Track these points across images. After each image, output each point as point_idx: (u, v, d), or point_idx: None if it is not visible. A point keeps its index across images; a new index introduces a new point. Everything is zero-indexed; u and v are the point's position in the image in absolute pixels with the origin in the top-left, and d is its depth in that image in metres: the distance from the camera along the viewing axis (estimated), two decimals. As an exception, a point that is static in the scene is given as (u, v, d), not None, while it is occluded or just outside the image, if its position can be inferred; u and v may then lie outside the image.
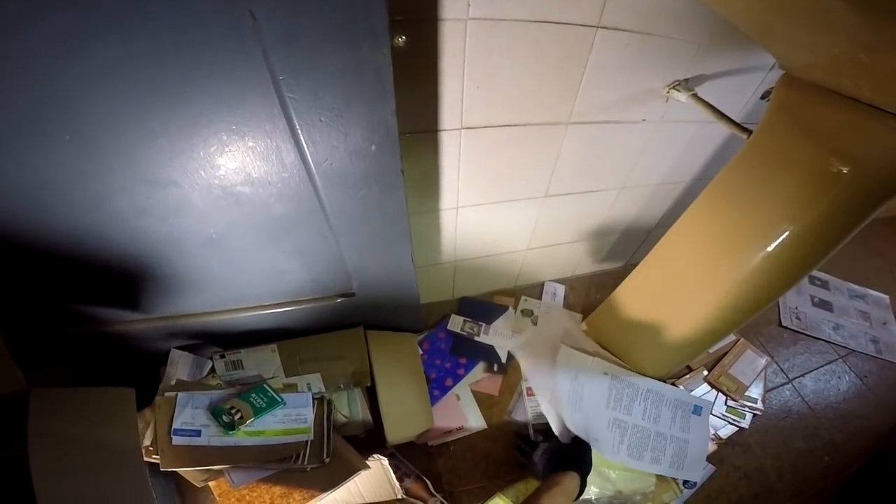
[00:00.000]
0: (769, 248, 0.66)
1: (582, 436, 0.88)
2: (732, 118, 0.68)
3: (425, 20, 0.54)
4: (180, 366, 0.82)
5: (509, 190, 0.83)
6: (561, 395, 0.93)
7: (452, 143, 0.69)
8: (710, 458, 0.99)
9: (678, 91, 0.69)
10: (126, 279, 0.64)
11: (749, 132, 0.64)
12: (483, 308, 1.08)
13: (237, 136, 0.48)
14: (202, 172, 0.51)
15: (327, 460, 0.77)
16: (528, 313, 1.09)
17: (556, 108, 0.70)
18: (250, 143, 0.49)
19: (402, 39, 0.55)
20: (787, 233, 0.63)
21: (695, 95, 0.68)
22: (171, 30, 0.39)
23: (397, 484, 0.80)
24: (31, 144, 0.44)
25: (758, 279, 0.70)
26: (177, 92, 0.43)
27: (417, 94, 0.61)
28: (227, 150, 0.49)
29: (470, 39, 0.58)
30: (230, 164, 0.51)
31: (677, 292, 0.82)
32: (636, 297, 0.91)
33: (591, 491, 0.88)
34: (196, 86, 0.43)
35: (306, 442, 0.78)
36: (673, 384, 1.02)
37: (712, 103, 0.69)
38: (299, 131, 0.49)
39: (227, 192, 0.54)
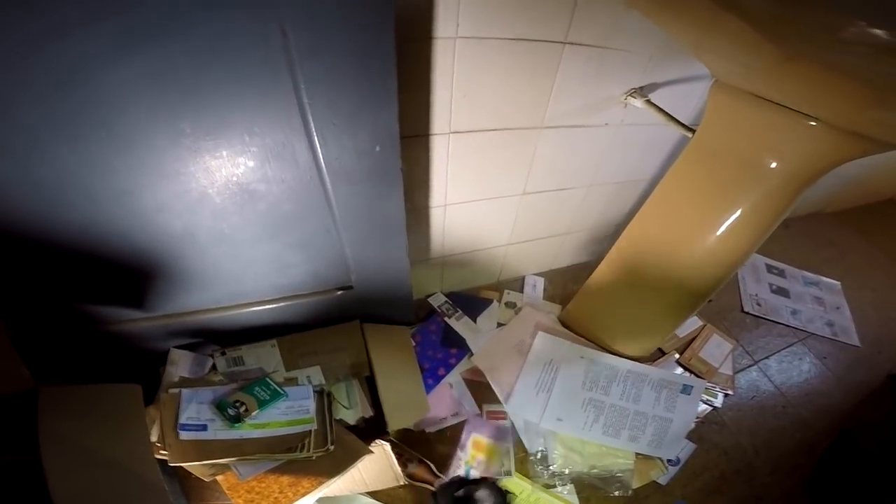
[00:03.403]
0: (717, 232, 0.76)
1: (544, 422, 0.94)
2: (681, 120, 0.79)
3: (421, 39, 0.62)
4: (181, 364, 0.84)
5: (492, 188, 0.91)
6: (525, 388, 0.99)
7: (442, 146, 0.77)
8: (690, 436, 1.01)
9: (634, 98, 0.80)
10: (135, 276, 0.67)
11: (694, 132, 0.76)
12: (469, 301, 1.15)
13: (258, 136, 0.54)
14: (223, 170, 0.56)
15: (332, 448, 0.80)
16: (511, 305, 1.17)
17: (531, 115, 0.79)
18: (269, 143, 0.55)
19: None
20: (729, 218, 0.74)
21: (648, 101, 0.79)
22: (210, 39, 0.45)
23: (399, 470, 0.83)
24: (63, 140, 0.48)
25: (710, 259, 0.80)
26: (208, 96, 0.49)
27: (413, 102, 0.68)
28: (248, 149, 0.55)
29: (458, 55, 0.66)
30: (249, 163, 0.57)
31: (644, 276, 0.90)
32: (607, 284, 1.00)
33: (563, 465, 0.92)
34: (226, 91, 0.49)
35: (310, 431, 0.81)
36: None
37: (664, 108, 0.80)
38: (314, 133, 0.56)
39: (244, 188, 0.60)
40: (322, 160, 0.59)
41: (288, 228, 0.68)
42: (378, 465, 0.84)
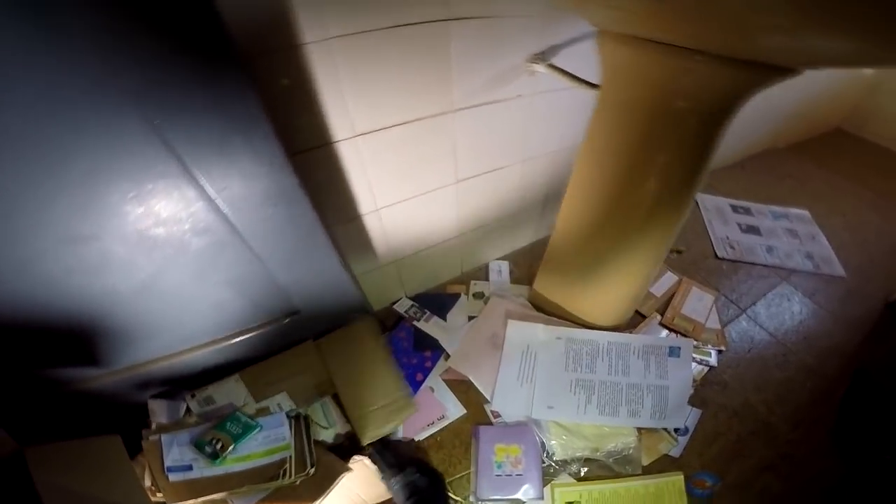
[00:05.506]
0: (650, 182, 0.73)
1: (535, 413, 0.91)
2: (592, 81, 0.75)
3: (285, 48, 0.59)
4: (158, 412, 0.86)
5: (421, 183, 0.89)
6: (507, 383, 0.96)
7: (351, 150, 0.75)
8: (693, 402, 0.95)
9: (537, 64, 0.76)
10: (75, 337, 0.68)
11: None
12: (436, 300, 1.13)
13: (135, 182, 0.54)
14: (115, 220, 0.56)
15: (312, 471, 0.81)
16: (479, 296, 1.15)
17: (438, 100, 0.77)
18: (149, 186, 0.55)
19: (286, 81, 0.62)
20: (656, 167, 0.70)
21: (551, 65, 0.76)
22: (40, 95, 0.44)
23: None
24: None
25: (653, 208, 0.76)
26: (61, 154, 0.48)
27: (301, 113, 0.67)
28: (129, 196, 0.55)
29: (339, 55, 0.63)
30: (137, 209, 0.56)
31: (594, 237, 0.87)
32: (563, 255, 0.97)
33: (563, 452, 0.89)
34: (80, 146, 0.48)
35: (289, 458, 0.82)
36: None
37: (571, 70, 0.76)
38: (191, 167, 0.55)
39: (144, 235, 0.60)
40: (211, 191, 0.59)
41: (205, 266, 0.68)
42: (367, 479, 0.85)
